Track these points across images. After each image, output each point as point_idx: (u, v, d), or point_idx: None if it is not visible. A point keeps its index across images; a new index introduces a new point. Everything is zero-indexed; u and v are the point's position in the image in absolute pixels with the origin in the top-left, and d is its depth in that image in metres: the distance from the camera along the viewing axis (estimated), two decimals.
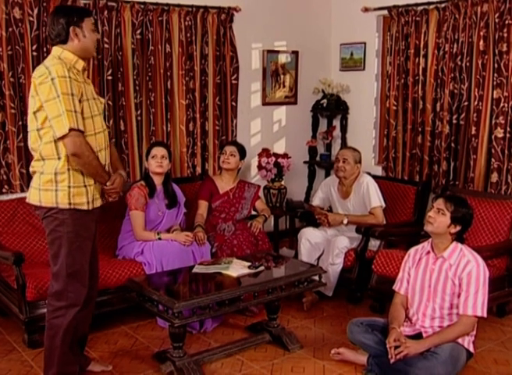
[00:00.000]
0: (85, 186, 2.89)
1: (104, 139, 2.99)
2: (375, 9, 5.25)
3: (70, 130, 2.74)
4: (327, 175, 5.66)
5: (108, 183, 2.96)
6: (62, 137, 2.76)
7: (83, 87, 2.86)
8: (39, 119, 2.81)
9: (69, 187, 2.84)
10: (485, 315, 3.09)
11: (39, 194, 2.87)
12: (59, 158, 2.82)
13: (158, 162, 4.12)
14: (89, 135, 2.87)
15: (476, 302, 3.05)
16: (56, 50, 2.89)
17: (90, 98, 2.92)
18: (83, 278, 2.96)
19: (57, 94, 2.72)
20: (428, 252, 3.24)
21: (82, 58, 2.92)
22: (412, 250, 3.37)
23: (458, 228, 3.14)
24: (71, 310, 2.93)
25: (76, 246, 2.90)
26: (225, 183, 4.58)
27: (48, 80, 2.74)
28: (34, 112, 2.82)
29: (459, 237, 3.18)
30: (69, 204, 2.85)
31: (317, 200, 4.79)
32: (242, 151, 4.58)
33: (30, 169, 2.98)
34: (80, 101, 2.81)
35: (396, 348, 3.02)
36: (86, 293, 2.98)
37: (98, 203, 2.99)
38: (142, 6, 4.52)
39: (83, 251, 2.95)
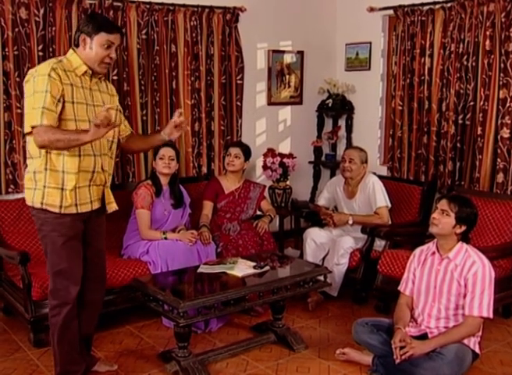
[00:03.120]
0: (62, 189, 2.84)
1: (96, 146, 2.90)
2: (381, 9, 5.24)
3: (32, 127, 2.72)
4: (332, 175, 5.66)
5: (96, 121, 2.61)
6: (30, 134, 2.76)
7: (71, 89, 2.81)
8: None
9: (44, 186, 2.83)
10: (491, 316, 3.08)
11: (25, 192, 2.93)
12: (39, 157, 2.83)
13: (165, 164, 4.13)
14: None
15: (482, 303, 3.04)
16: (70, 51, 2.93)
17: (82, 102, 2.86)
18: (71, 276, 2.93)
19: (32, 92, 2.74)
20: (434, 253, 3.23)
21: (87, 66, 2.89)
22: (417, 250, 3.36)
23: (463, 228, 3.12)
24: (64, 308, 2.93)
25: (59, 245, 2.88)
26: (230, 184, 4.58)
27: (31, 77, 2.78)
28: None
29: (464, 237, 3.17)
30: (41, 203, 2.84)
31: (322, 200, 4.78)
32: (247, 152, 4.57)
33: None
34: (59, 101, 2.76)
35: (401, 348, 3.02)
36: (77, 291, 2.95)
37: (85, 208, 2.92)
38: (147, 6, 4.53)
39: (69, 251, 2.91)
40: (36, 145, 2.77)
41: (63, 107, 2.80)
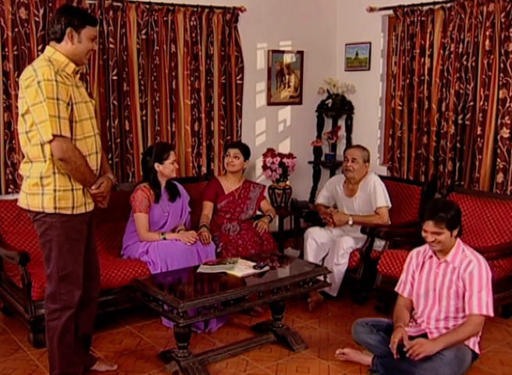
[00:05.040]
0: (72, 190, 2.83)
1: (96, 143, 2.93)
2: (381, 9, 5.25)
3: (54, 135, 2.69)
4: (332, 175, 5.66)
5: (93, 187, 2.88)
6: (50, 142, 2.72)
7: (72, 90, 2.80)
8: (27, 122, 2.77)
9: (55, 190, 2.80)
10: (491, 314, 3.06)
11: (26, 197, 2.86)
12: (45, 161, 2.78)
13: (176, 167, 4.15)
14: (78, 139, 2.82)
15: (481, 301, 3.03)
16: (48, 50, 2.85)
17: (80, 101, 2.86)
18: (76, 280, 2.93)
19: (43, 98, 2.67)
20: (431, 256, 3.22)
21: (73, 62, 2.86)
22: (414, 252, 3.34)
23: (458, 228, 3.12)
24: (65, 312, 2.92)
25: (66, 249, 2.87)
26: (230, 184, 4.58)
27: (34, 83, 2.68)
28: (23, 115, 2.79)
29: (458, 233, 3.17)
30: (55, 208, 2.80)
31: (321, 198, 4.78)
32: (246, 152, 4.57)
33: (19, 172, 2.97)
34: (68, 104, 2.76)
35: (403, 349, 3.00)
36: (80, 295, 2.95)
37: (91, 207, 2.94)
38: (147, 6, 4.53)
39: (75, 254, 2.91)
40: (55, 154, 2.73)
41: (72, 109, 2.78)
